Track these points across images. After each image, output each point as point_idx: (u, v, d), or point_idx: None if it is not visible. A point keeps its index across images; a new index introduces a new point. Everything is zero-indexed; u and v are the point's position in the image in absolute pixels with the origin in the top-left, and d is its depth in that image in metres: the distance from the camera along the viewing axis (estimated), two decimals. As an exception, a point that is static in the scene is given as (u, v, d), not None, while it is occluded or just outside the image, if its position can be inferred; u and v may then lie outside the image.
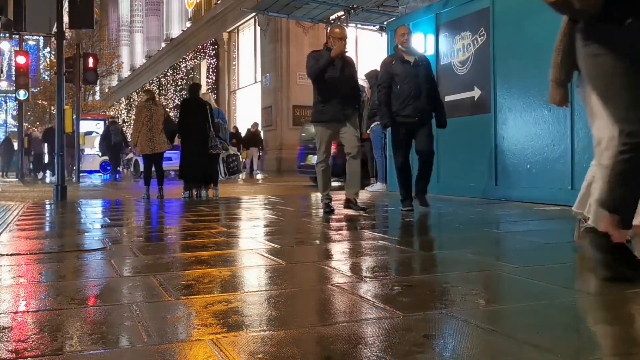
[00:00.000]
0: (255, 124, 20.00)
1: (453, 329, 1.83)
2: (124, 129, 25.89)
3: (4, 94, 51.11)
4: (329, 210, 5.51)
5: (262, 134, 20.88)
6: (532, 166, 6.30)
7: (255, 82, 24.63)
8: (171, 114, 11.35)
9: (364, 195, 8.30)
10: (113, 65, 36.61)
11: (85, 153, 20.04)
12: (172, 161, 13.67)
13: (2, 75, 19.49)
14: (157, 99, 8.74)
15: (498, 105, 6.79)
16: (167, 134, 8.49)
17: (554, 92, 2.88)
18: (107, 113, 36.67)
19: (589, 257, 2.55)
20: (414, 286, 2.43)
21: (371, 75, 9.51)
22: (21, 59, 16.23)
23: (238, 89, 27.28)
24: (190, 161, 8.33)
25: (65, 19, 10.18)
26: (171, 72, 33.64)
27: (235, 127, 20.82)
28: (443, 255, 3.25)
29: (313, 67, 5.40)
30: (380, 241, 3.77)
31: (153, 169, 8.71)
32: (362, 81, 10.18)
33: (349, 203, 5.63)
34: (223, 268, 2.91)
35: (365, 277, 2.65)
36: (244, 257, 3.35)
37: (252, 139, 19.64)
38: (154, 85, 37.06)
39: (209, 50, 28.30)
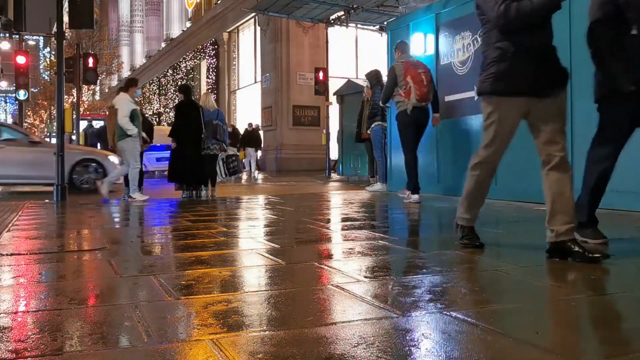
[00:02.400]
0: (250, 124, 19.95)
1: (453, 329, 1.83)
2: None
3: (4, 94, 51.14)
4: (474, 244, 3.40)
5: (262, 134, 20.85)
6: (532, 166, 6.29)
7: (255, 82, 24.65)
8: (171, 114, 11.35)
9: (363, 195, 8.30)
10: (113, 65, 36.64)
11: None
12: None
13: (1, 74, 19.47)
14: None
15: (498, 105, 6.78)
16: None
17: None
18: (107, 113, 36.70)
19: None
20: (414, 286, 2.43)
21: (371, 75, 9.53)
22: (21, 59, 16.23)
23: (238, 89, 27.29)
24: (179, 163, 8.36)
25: (65, 19, 10.20)
26: (171, 72, 33.67)
27: (232, 126, 20.79)
28: (443, 255, 3.25)
29: (517, 10, 2.98)
30: (380, 241, 3.77)
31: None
32: (362, 81, 10.20)
33: (562, 245, 2.99)
34: (223, 268, 2.90)
35: (365, 277, 2.65)
36: (244, 257, 3.35)
37: (249, 138, 19.55)
38: (154, 85, 37.09)
39: (209, 50, 28.31)
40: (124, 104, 8.09)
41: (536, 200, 6.14)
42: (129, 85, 8.45)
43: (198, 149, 8.36)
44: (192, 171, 8.40)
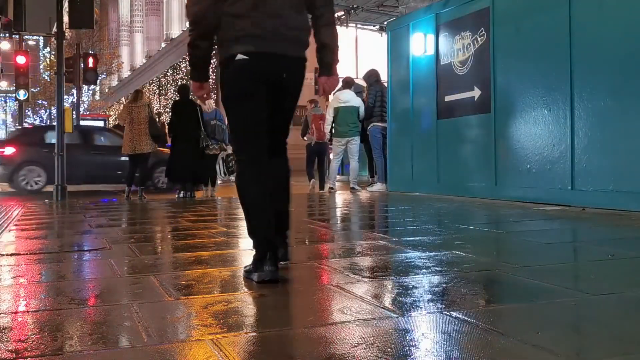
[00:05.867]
0: None
1: (453, 329, 1.83)
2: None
3: (4, 94, 51.15)
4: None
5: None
6: (532, 166, 6.30)
7: (255, 82, 24.61)
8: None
9: (363, 196, 8.31)
10: (113, 65, 36.62)
11: None
12: None
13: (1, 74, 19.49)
14: (144, 99, 8.76)
15: (498, 105, 6.79)
16: (152, 136, 8.51)
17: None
18: (107, 113, 36.75)
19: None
20: (414, 286, 2.43)
21: (370, 75, 9.50)
22: (21, 59, 16.22)
23: (238, 89, 27.24)
24: (177, 162, 8.38)
25: (65, 19, 10.19)
26: (171, 72, 33.65)
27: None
28: (443, 255, 3.25)
29: None
30: (380, 241, 3.77)
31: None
32: (362, 81, 10.21)
33: None
34: (223, 268, 2.91)
35: (365, 277, 2.65)
36: (244, 257, 3.35)
37: None
38: (154, 85, 37.11)
39: (209, 50, 28.27)
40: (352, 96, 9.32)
41: (537, 200, 6.15)
42: (349, 83, 9.55)
43: (193, 146, 8.34)
44: (186, 170, 8.39)
